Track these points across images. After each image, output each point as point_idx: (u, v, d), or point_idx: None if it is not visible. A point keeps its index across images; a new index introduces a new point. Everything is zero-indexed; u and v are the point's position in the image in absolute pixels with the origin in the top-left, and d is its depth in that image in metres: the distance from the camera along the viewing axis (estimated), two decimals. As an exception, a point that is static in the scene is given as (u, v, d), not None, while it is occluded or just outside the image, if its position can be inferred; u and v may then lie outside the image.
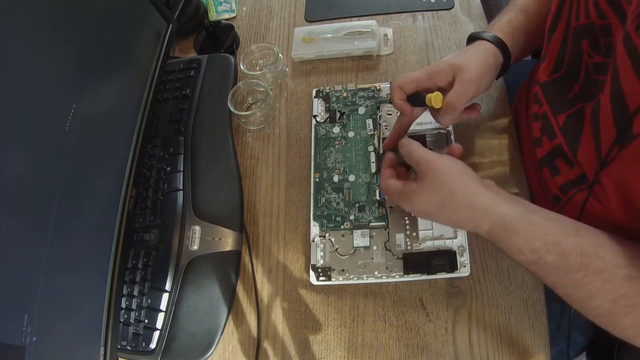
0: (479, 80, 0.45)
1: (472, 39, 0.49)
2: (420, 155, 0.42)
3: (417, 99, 0.46)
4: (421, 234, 0.48)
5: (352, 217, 0.51)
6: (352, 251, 0.50)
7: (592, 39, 0.38)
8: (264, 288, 0.52)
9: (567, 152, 0.43)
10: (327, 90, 0.60)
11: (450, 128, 0.54)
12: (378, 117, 0.57)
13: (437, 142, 0.53)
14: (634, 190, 0.36)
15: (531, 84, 0.53)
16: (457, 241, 0.48)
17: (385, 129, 0.56)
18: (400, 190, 0.43)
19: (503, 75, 0.51)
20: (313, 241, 0.51)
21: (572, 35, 0.41)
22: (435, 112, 0.46)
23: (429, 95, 0.44)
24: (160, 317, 0.49)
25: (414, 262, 0.48)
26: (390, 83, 0.48)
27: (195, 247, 0.53)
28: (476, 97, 0.47)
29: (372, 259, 0.49)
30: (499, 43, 0.47)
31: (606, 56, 0.37)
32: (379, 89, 0.59)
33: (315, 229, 0.52)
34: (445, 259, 0.47)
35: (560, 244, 0.35)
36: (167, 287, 0.51)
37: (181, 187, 0.56)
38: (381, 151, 0.54)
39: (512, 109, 0.60)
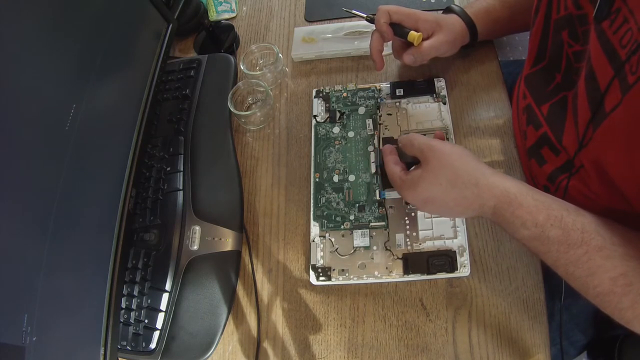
0: (450, 45, 0.53)
1: (448, 11, 0.55)
2: (421, 143, 0.43)
3: (400, 30, 0.52)
4: (421, 234, 0.49)
5: (352, 217, 0.51)
6: (352, 251, 0.50)
7: (571, 28, 0.40)
8: (264, 288, 0.52)
9: (552, 140, 0.45)
10: (327, 90, 0.60)
11: (451, 128, 0.54)
12: (378, 117, 0.57)
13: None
14: (609, 168, 0.37)
15: (522, 81, 0.55)
16: (457, 241, 0.48)
17: (386, 129, 0.56)
18: (402, 178, 0.43)
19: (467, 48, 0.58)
20: (313, 241, 0.51)
21: (552, 28, 0.43)
22: (403, 49, 0.53)
23: (413, 33, 0.51)
24: (160, 317, 0.49)
25: (414, 262, 0.48)
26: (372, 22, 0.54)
27: (195, 247, 0.53)
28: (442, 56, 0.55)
29: (372, 259, 0.49)
30: (471, 26, 0.54)
31: (584, 44, 0.38)
32: (379, 89, 0.59)
33: (315, 229, 0.52)
34: (445, 259, 0.47)
35: (562, 219, 0.36)
36: (167, 287, 0.51)
37: (181, 187, 0.56)
38: (377, 135, 0.54)
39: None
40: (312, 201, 0.53)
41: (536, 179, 0.50)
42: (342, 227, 0.51)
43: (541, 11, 0.45)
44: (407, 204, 0.50)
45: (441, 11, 0.57)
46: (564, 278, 0.38)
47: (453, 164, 0.41)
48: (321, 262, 0.50)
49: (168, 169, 0.57)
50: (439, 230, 0.48)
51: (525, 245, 0.39)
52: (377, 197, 0.52)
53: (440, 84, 0.57)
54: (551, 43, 0.45)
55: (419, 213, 0.50)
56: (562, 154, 0.45)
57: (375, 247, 0.49)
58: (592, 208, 0.38)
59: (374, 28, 0.53)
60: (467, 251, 0.47)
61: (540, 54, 0.48)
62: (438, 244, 0.48)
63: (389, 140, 0.54)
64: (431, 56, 0.52)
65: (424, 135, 0.53)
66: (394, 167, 0.46)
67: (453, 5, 0.55)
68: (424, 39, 0.52)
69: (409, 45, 0.53)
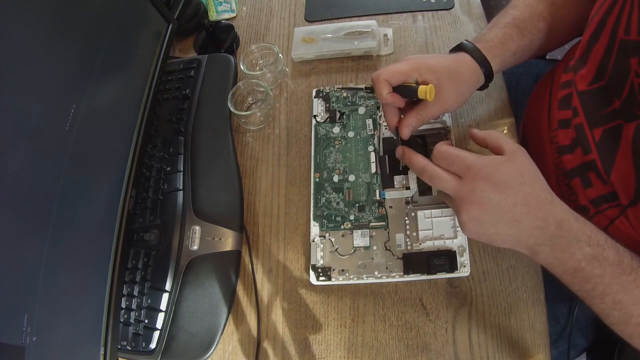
0: (460, 97, 0.46)
1: (463, 49, 0.48)
2: (507, 139, 0.41)
3: (405, 91, 0.44)
4: (421, 234, 0.48)
5: (352, 217, 0.51)
6: (352, 251, 0.50)
7: None
8: (264, 288, 0.52)
9: (600, 169, 0.42)
10: (327, 90, 0.60)
11: (451, 128, 0.54)
12: (378, 117, 0.57)
13: (438, 141, 0.53)
14: None
15: (554, 87, 0.52)
16: (457, 241, 0.48)
17: (386, 129, 0.56)
18: (478, 156, 0.40)
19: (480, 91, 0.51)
20: (313, 241, 0.51)
21: (617, 47, 0.40)
22: (410, 109, 0.46)
23: (422, 87, 0.42)
24: (160, 317, 0.49)
25: (414, 262, 0.48)
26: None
27: (195, 247, 0.53)
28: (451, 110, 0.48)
29: (372, 259, 0.49)
30: (484, 63, 0.46)
31: None
32: (379, 89, 0.59)
33: (315, 229, 0.52)
34: (445, 259, 0.47)
35: (616, 244, 0.36)
36: (167, 287, 0.51)
37: (181, 187, 0.56)
38: (377, 135, 0.54)
39: (527, 110, 0.60)
40: (312, 201, 0.53)
41: (574, 196, 0.47)
42: (342, 227, 0.51)
43: (608, 26, 0.40)
44: (407, 203, 0.50)
45: (441, 8, 0.55)
46: (607, 309, 0.37)
47: (536, 171, 0.39)
48: (321, 262, 0.50)
49: (168, 169, 0.57)
50: (439, 230, 0.48)
51: (578, 270, 0.37)
52: (377, 197, 0.52)
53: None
54: (613, 64, 0.40)
55: (419, 213, 0.50)
56: (609, 185, 0.42)
57: (375, 247, 0.49)
58: (626, 242, 0.38)
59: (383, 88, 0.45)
60: (467, 251, 0.47)
61: (600, 72, 0.42)
62: (438, 244, 0.48)
63: (389, 141, 0.54)
64: (438, 115, 0.46)
65: (425, 135, 0.53)
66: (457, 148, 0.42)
67: (464, 42, 0.48)
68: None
69: (414, 102, 0.46)
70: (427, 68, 0.44)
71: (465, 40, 0.48)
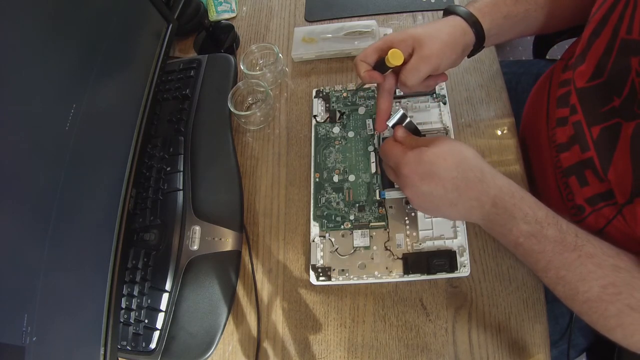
0: (438, 58, 0.43)
1: (447, 12, 0.48)
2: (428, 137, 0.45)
3: (381, 66, 0.45)
4: (421, 234, 0.49)
5: (352, 217, 0.51)
6: (352, 251, 0.50)
7: None
8: (264, 288, 0.52)
9: (597, 167, 0.42)
10: (327, 90, 0.60)
11: (451, 128, 0.54)
12: (378, 117, 0.57)
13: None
14: None
15: (552, 86, 0.52)
16: (457, 241, 0.48)
17: (385, 129, 0.56)
18: (406, 149, 0.42)
19: (475, 55, 0.49)
20: (313, 241, 0.51)
21: (618, 46, 0.39)
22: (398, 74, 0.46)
23: (386, 57, 0.43)
24: (160, 317, 0.49)
25: (414, 262, 0.48)
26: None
27: (195, 247, 0.53)
28: (438, 72, 0.46)
29: (372, 259, 0.49)
30: (474, 22, 0.45)
31: None
32: (379, 89, 0.59)
33: (315, 229, 0.52)
34: (445, 259, 0.47)
35: (558, 221, 0.37)
36: (167, 287, 0.51)
37: (181, 187, 0.56)
38: (377, 135, 0.54)
39: (526, 110, 0.60)
40: (312, 201, 0.53)
41: (570, 195, 0.47)
42: (342, 227, 0.51)
43: (610, 24, 0.40)
44: (407, 203, 0.50)
45: (442, 12, 0.55)
46: (551, 283, 0.38)
47: (462, 151, 0.41)
48: (321, 262, 0.50)
49: (168, 169, 0.57)
50: (439, 230, 0.48)
51: (518, 245, 0.38)
52: (377, 197, 0.52)
53: (440, 84, 0.57)
54: (613, 62, 0.40)
55: (419, 213, 0.49)
56: (606, 183, 0.42)
57: (375, 247, 0.49)
58: (624, 240, 0.38)
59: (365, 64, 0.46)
60: (467, 251, 0.47)
61: (599, 69, 0.42)
62: (438, 244, 0.48)
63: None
64: (419, 79, 0.44)
65: (424, 135, 0.53)
66: (396, 143, 0.44)
67: (453, 5, 0.47)
68: (406, 60, 0.44)
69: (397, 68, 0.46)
70: (397, 36, 0.44)
71: (455, 4, 0.47)
